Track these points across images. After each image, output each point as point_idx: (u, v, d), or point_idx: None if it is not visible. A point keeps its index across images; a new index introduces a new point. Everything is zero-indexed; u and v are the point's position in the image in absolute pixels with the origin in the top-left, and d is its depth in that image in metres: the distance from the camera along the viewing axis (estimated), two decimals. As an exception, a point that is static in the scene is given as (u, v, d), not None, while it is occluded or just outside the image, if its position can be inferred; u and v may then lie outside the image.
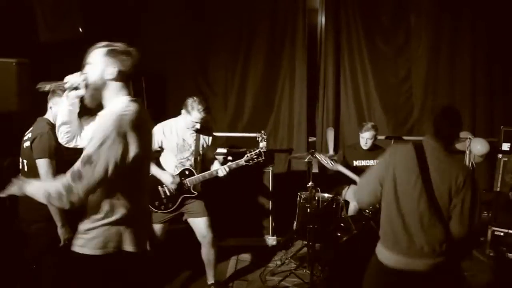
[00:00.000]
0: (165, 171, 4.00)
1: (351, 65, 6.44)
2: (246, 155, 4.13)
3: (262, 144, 5.35)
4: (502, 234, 5.14)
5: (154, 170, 3.95)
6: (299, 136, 6.47)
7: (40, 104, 5.06)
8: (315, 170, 6.18)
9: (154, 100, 6.29)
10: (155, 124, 3.96)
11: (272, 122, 6.53)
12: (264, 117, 6.51)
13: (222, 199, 5.31)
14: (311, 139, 6.66)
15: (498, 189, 5.25)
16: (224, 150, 5.36)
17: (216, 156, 5.21)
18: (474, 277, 4.70)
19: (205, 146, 4.22)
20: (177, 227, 4.42)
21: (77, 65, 5.53)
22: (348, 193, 5.25)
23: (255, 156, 4.12)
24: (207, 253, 4.19)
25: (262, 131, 5.42)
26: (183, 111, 3.95)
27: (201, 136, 4.15)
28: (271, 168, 5.38)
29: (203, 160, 4.27)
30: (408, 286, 2.63)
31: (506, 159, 5.26)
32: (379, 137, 5.45)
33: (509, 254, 5.10)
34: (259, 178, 5.37)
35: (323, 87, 6.46)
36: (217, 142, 4.44)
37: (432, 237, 2.54)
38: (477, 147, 5.79)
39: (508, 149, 5.25)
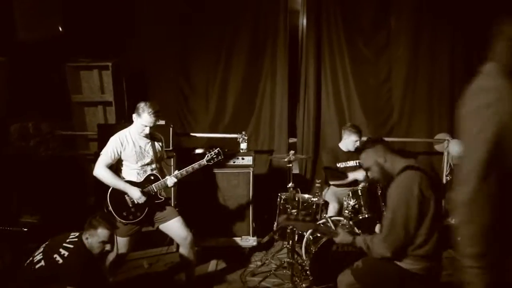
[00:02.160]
0: (132, 186, 3.94)
1: (332, 67, 6.46)
2: (206, 155, 4.21)
3: (243, 145, 5.38)
4: (478, 234, 5.21)
5: (121, 184, 3.91)
6: (280, 137, 6.48)
7: (19, 102, 5.07)
8: (295, 171, 6.23)
9: (135, 101, 6.25)
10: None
11: (253, 123, 6.53)
12: (245, 118, 6.52)
13: (202, 199, 5.32)
14: (292, 140, 6.69)
15: (475, 190, 5.32)
16: (201, 151, 5.35)
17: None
18: (451, 276, 4.77)
19: (160, 150, 4.24)
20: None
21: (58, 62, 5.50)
22: (328, 194, 5.29)
23: (214, 156, 4.22)
24: (187, 254, 4.17)
25: (243, 132, 5.45)
26: (134, 115, 3.92)
27: (155, 142, 4.16)
28: (251, 169, 5.38)
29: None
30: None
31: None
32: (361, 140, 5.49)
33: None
34: (240, 179, 5.37)
35: (304, 89, 6.48)
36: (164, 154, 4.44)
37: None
38: (455, 148, 5.88)
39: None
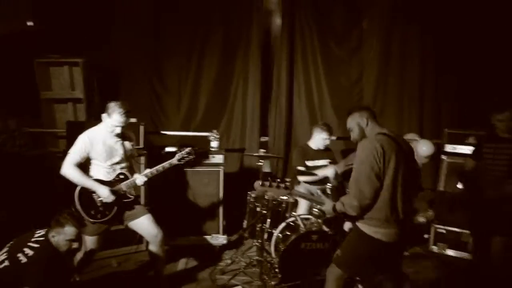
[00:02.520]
0: (100, 184, 3.88)
1: (305, 67, 6.52)
2: (177, 154, 4.18)
3: (214, 144, 5.38)
4: (444, 231, 5.35)
5: (89, 183, 3.85)
6: (252, 136, 6.52)
7: None
8: (266, 169, 6.26)
9: (106, 99, 6.18)
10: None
11: (225, 122, 6.56)
12: (217, 117, 6.53)
13: (172, 198, 5.29)
14: (264, 139, 6.71)
15: (442, 189, 5.45)
16: (175, 149, 5.33)
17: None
18: (418, 273, 4.87)
19: (131, 148, 4.20)
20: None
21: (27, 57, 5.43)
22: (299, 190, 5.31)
23: (186, 155, 4.19)
24: (157, 251, 4.15)
25: (214, 131, 5.45)
26: (104, 115, 3.87)
27: (125, 140, 4.11)
28: (222, 167, 5.39)
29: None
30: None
31: (449, 160, 5.46)
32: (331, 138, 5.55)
33: (450, 250, 5.32)
34: (211, 177, 5.37)
35: (276, 88, 6.52)
36: (135, 153, 4.41)
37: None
38: (423, 148, 5.97)
39: (451, 150, 5.45)
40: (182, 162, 4.19)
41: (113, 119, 3.83)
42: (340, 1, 6.46)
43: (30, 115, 5.77)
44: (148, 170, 4.10)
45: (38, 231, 3.42)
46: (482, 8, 6.08)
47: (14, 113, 5.46)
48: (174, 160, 4.14)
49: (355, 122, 3.35)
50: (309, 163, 5.30)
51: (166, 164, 4.11)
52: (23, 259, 3.19)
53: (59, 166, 3.87)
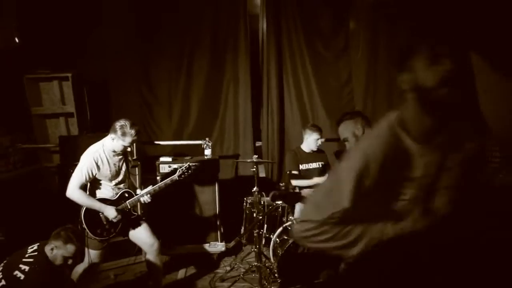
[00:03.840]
0: (107, 206, 3.91)
1: (293, 70, 6.54)
2: (178, 171, 4.27)
3: (207, 151, 5.40)
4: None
5: (97, 205, 3.88)
6: (245, 142, 6.53)
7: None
8: (262, 174, 6.29)
9: (98, 112, 6.20)
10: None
11: (217, 128, 6.56)
12: (210, 124, 6.54)
13: (169, 207, 5.29)
14: (259, 143, 6.72)
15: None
16: (169, 159, 5.35)
17: (161, 165, 5.23)
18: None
19: (131, 160, 4.28)
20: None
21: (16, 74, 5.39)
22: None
23: (185, 170, 4.27)
24: (154, 260, 4.17)
25: (207, 139, 5.46)
26: (113, 136, 3.86)
27: (126, 157, 4.17)
28: (216, 174, 5.40)
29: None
30: None
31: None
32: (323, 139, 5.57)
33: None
34: (206, 185, 5.37)
35: (266, 92, 6.54)
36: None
37: None
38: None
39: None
40: (182, 178, 4.25)
41: (125, 141, 3.85)
42: (324, 1, 6.49)
43: (23, 131, 5.75)
44: (151, 187, 4.16)
45: (30, 247, 3.42)
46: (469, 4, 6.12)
47: (6, 130, 5.44)
48: (175, 176, 4.23)
49: (350, 131, 3.01)
50: (303, 167, 5.32)
51: (167, 180, 4.19)
52: (21, 276, 3.18)
53: (53, 181, 3.88)
